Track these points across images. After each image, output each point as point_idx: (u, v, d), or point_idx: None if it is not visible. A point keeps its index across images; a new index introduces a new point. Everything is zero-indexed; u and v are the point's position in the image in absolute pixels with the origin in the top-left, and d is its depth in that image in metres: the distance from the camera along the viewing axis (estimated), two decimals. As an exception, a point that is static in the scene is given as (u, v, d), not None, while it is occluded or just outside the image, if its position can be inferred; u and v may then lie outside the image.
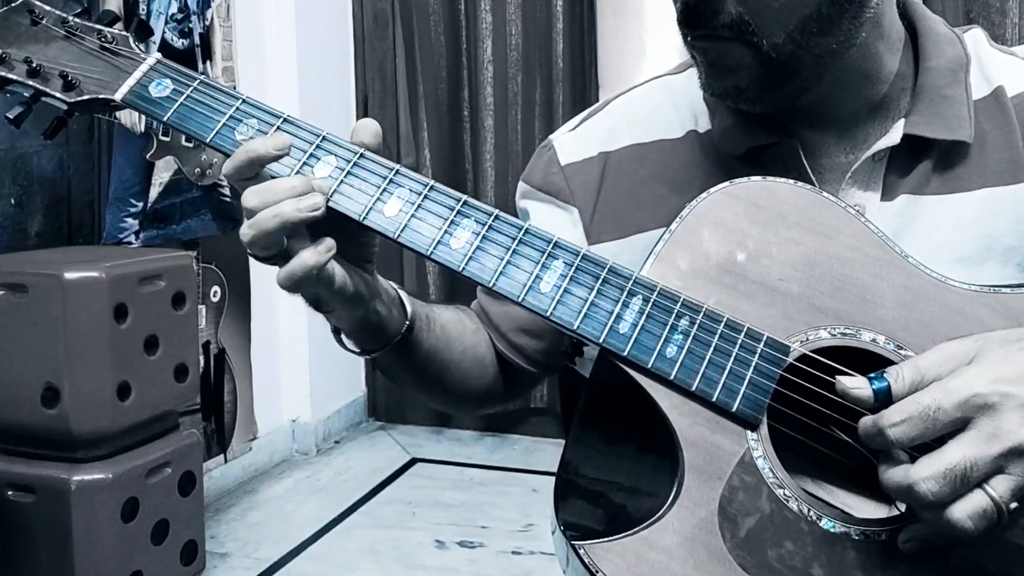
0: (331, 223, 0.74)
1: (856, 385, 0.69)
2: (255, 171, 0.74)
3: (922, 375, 0.68)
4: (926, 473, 0.64)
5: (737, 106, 0.85)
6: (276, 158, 0.74)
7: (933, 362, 0.68)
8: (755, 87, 0.81)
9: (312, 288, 0.75)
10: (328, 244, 0.73)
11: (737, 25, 0.78)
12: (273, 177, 0.75)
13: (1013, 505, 0.64)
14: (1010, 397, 0.65)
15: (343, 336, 0.84)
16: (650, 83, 0.98)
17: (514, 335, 0.97)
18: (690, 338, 0.74)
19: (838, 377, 0.71)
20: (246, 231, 0.72)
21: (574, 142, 0.96)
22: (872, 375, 0.69)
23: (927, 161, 0.85)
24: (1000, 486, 0.64)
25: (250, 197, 0.73)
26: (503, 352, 0.98)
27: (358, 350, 0.84)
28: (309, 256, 0.72)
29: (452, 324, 0.93)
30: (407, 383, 0.93)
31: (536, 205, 0.97)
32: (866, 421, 0.68)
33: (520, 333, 0.97)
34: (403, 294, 0.85)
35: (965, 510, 0.64)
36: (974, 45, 0.90)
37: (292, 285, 0.73)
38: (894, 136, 0.84)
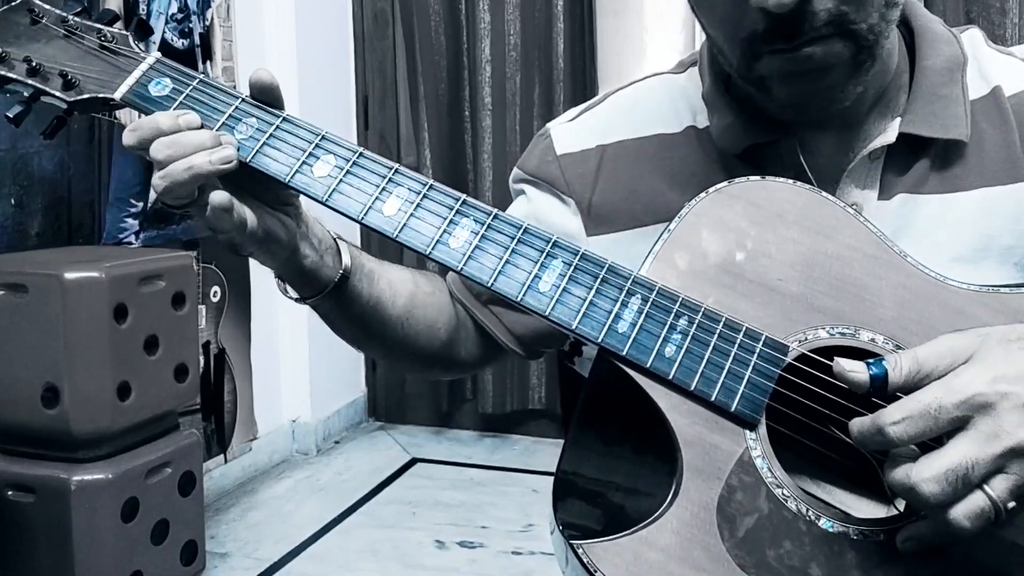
0: (243, 169, 0.77)
1: (853, 368, 0.69)
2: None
3: (920, 366, 0.67)
4: (927, 474, 0.64)
5: (826, 112, 0.82)
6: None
7: (931, 354, 0.68)
8: (845, 81, 0.79)
9: (226, 233, 0.77)
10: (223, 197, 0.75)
11: (836, 19, 0.75)
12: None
13: (1011, 504, 0.64)
14: (1009, 397, 0.65)
15: (286, 285, 0.86)
16: (648, 80, 0.98)
17: (493, 305, 0.98)
18: (689, 338, 0.74)
19: (836, 359, 0.70)
20: (158, 182, 0.75)
21: (572, 133, 0.97)
22: (870, 360, 0.69)
23: (924, 160, 0.85)
24: (999, 486, 0.64)
25: (160, 149, 0.75)
26: (479, 320, 0.99)
27: (296, 296, 0.86)
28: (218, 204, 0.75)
29: (402, 283, 0.93)
30: (347, 334, 0.93)
31: (533, 191, 0.98)
32: (863, 421, 0.67)
33: (497, 303, 0.98)
34: (343, 244, 0.87)
35: (964, 511, 0.64)
36: (971, 45, 0.90)
37: (211, 228, 0.76)
38: (889, 135, 0.84)
